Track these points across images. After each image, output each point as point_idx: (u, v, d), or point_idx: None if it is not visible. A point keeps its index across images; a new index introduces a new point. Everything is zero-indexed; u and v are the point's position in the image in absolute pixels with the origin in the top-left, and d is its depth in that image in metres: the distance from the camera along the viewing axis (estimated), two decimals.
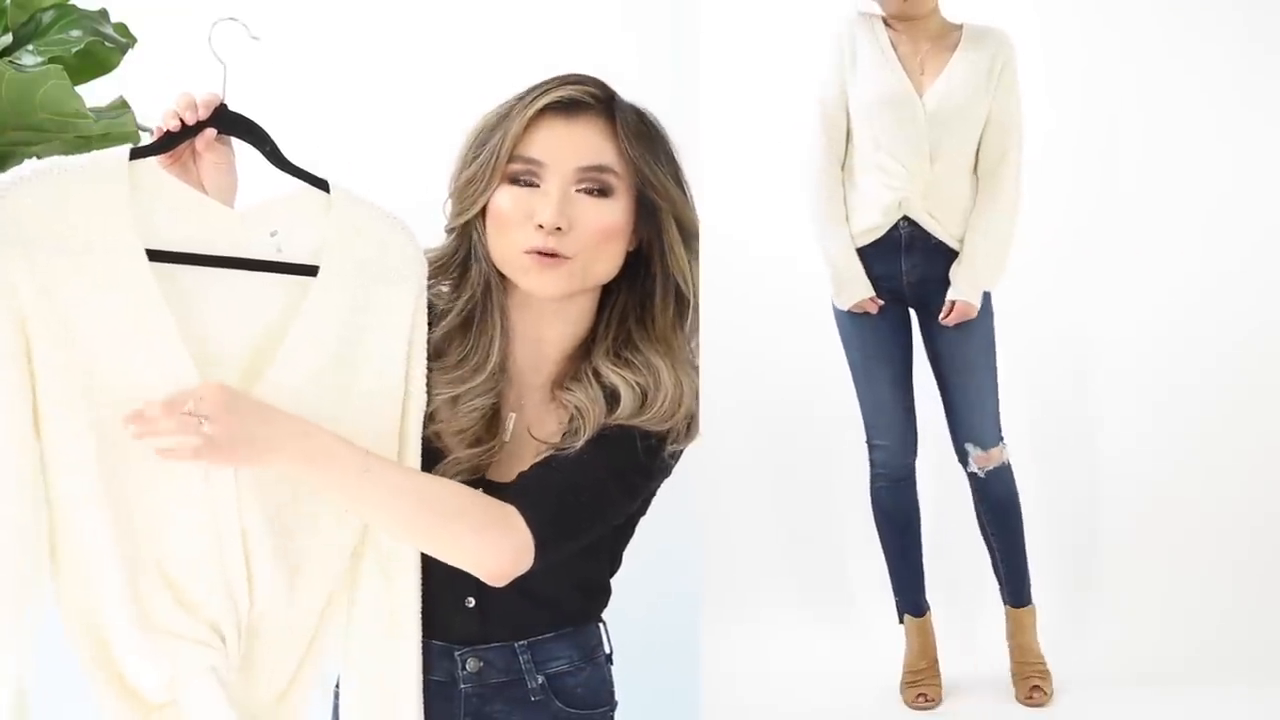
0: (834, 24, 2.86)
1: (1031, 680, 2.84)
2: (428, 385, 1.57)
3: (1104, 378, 3.40)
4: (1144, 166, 3.35)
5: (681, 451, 1.61)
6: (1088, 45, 3.33)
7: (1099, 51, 3.34)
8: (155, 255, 1.39)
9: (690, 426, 1.59)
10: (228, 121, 1.49)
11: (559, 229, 1.53)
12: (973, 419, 2.82)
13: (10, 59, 1.62)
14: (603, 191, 1.55)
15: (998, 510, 2.87)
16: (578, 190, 1.55)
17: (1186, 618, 3.15)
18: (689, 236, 1.61)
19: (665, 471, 1.60)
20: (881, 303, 2.80)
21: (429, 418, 1.57)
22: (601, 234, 1.55)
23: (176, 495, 1.40)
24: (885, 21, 2.82)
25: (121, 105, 1.63)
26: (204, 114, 1.47)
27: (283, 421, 1.39)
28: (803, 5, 3.37)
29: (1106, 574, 3.29)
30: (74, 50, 1.63)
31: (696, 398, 1.60)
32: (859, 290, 2.79)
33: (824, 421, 3.36)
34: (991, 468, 2.83)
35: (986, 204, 2.77)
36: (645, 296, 1.62)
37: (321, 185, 1.51)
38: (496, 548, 1.44)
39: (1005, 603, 2.91)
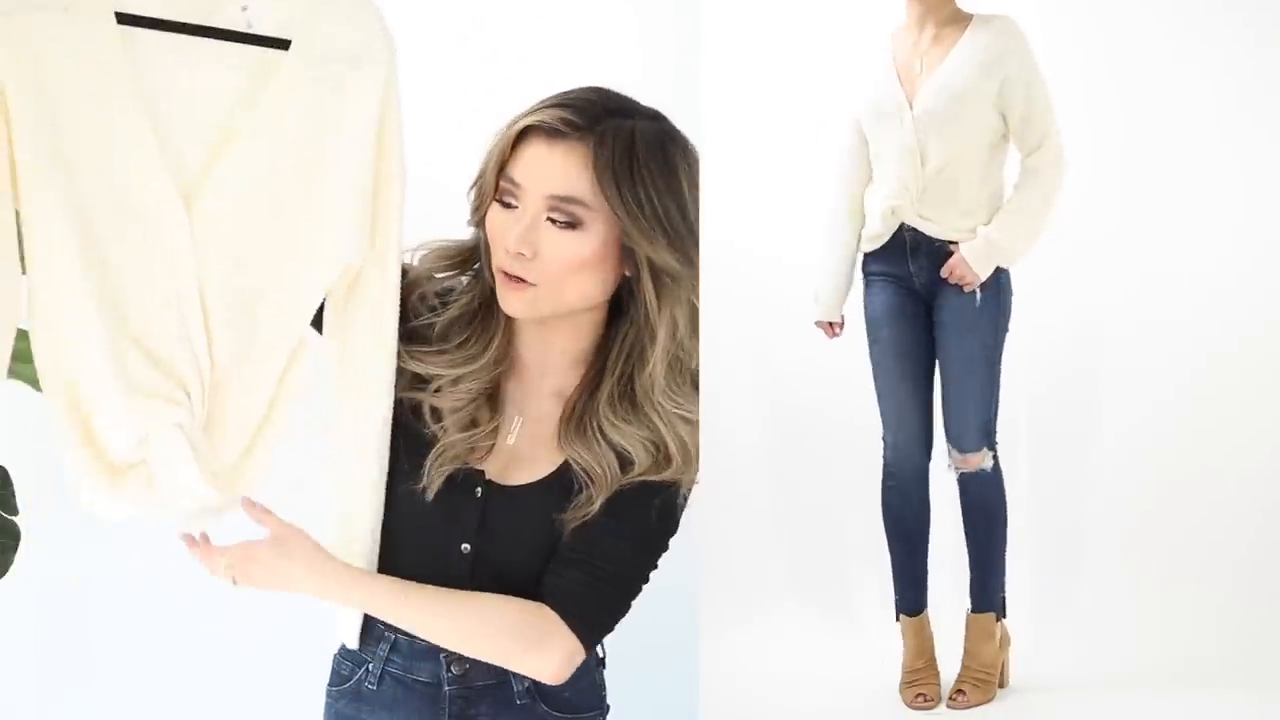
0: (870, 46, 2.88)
1: (961, 683, 2.82)
2: (427, 366, 1.58)
3: (1097, 380, 3.38)
4: (1147, 167, 3.33)
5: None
6: (1092, 43, 3.32)
7: (1103, 50, 3.33)
8: (126, 19, 1.41)
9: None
10: None
11: (522, 254, 1.50)
12: (956, 420, 2.80)
13: None
14: (571, 224, 1.50)
15: (973, 514, 2.85)
16: (548, 218, 1.51)
17: (1181, 621, 3.14)
18: (663, 276, 1.52)
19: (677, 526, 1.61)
20: (838, 333, 2.91)
21: (434, 390, 1.57)
22: (565, 266, 1.51)
23: (138, 254, 1.44)
24: (900, 24, 2.82)
25: None
26: None
27: (327, 573, 1.54)
28: (804, 8, 3.37)
29: (1099, 576, 3.28)
30: None
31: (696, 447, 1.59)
32: (827, 311, 2.90)
33: (824, 421, 3.36)
34: (969, 472, 2.81)
35: (1018, 189, 2.76)
36: (641, 329, 1.57)
37: None
38: (548, 659, 1.52)
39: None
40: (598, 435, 1.55)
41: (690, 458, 1.56)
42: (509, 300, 1.54)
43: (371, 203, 1.54)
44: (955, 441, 2.81)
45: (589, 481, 1.55)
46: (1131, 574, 3.25)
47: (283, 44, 1.47)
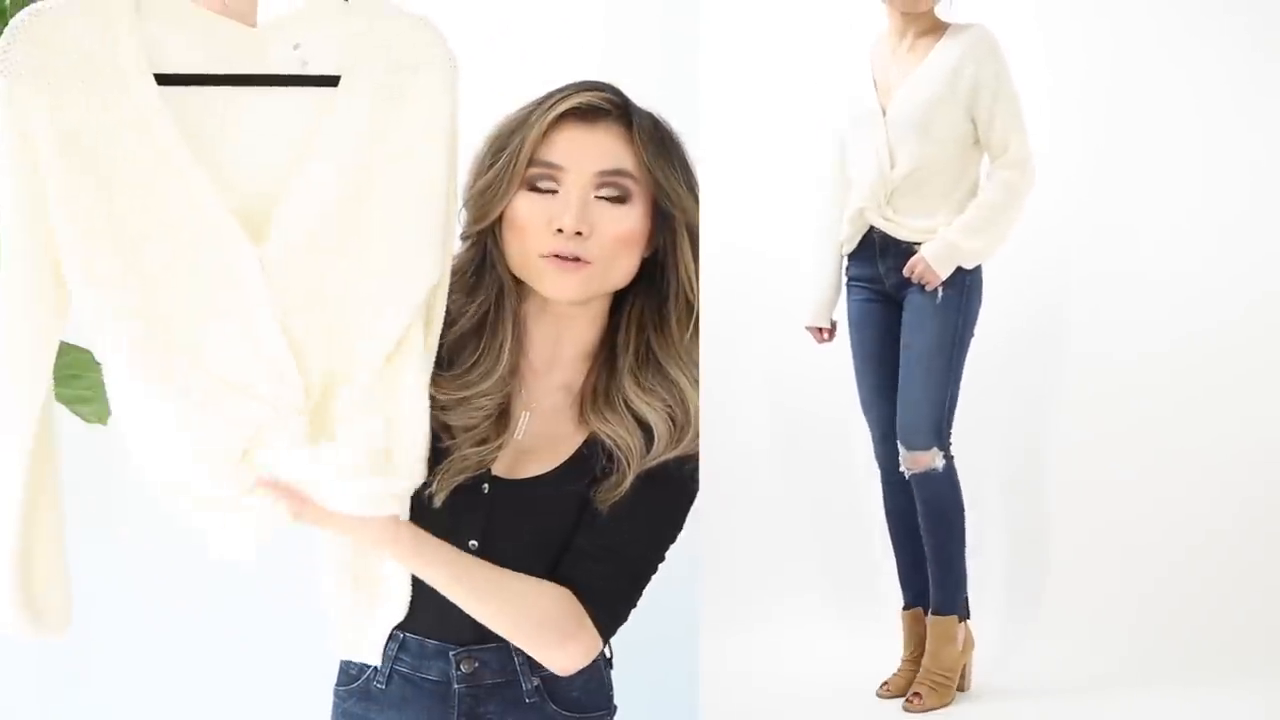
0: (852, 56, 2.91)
1: (918, 685, 2.83)
2: (439, 388, 1.56)
3: (1063, 378, 3.39)
4: (1118, 165, 3.35)
5: None
6: (1082, 44, 3.34)
7: (1093, 51, 3.35)
8: (169, 80, 1.39)
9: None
10: None
11: (579, 234, 1.53)
12: (906, 416, 2.81)
13: None
14: (621, 198, 1.55)
15: (927, 516, 2.85)
16: (597, 196, 1.55)
17: (1150, 621, 3.16)
18: (695, 240, 1.61)
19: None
20: (827, 338, 2.95)
21: (440, 408, 1.55)
22: (620, 240, 1.55)
23: (210, 311, 1.41)
24: (882, 32, 2.87)
25: None
26: None
27: (396, 527, 1.47)
28: (803, 6, 3.38)
29: (1066, 577, 3.29)
30: None
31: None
32: (816, 317, 2.95)
33: (823, 421, 3.37)
34: (919, 472, 2.81)
35: (982, 193, 2.80)
36: (660, 302, 1.62)
37: None
38: (573, 652, 1.54)
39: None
40: (624, 407, 1.58)
41: (694, 422, 1.60)
42: (561, 282, 1.55)
43: (444, 214, 1.51)
44: (905, 439, 2.81)
45: (619, 457, 1.56)
46: (1098, 576, 3.27)
47: (334, 81, 1.45)
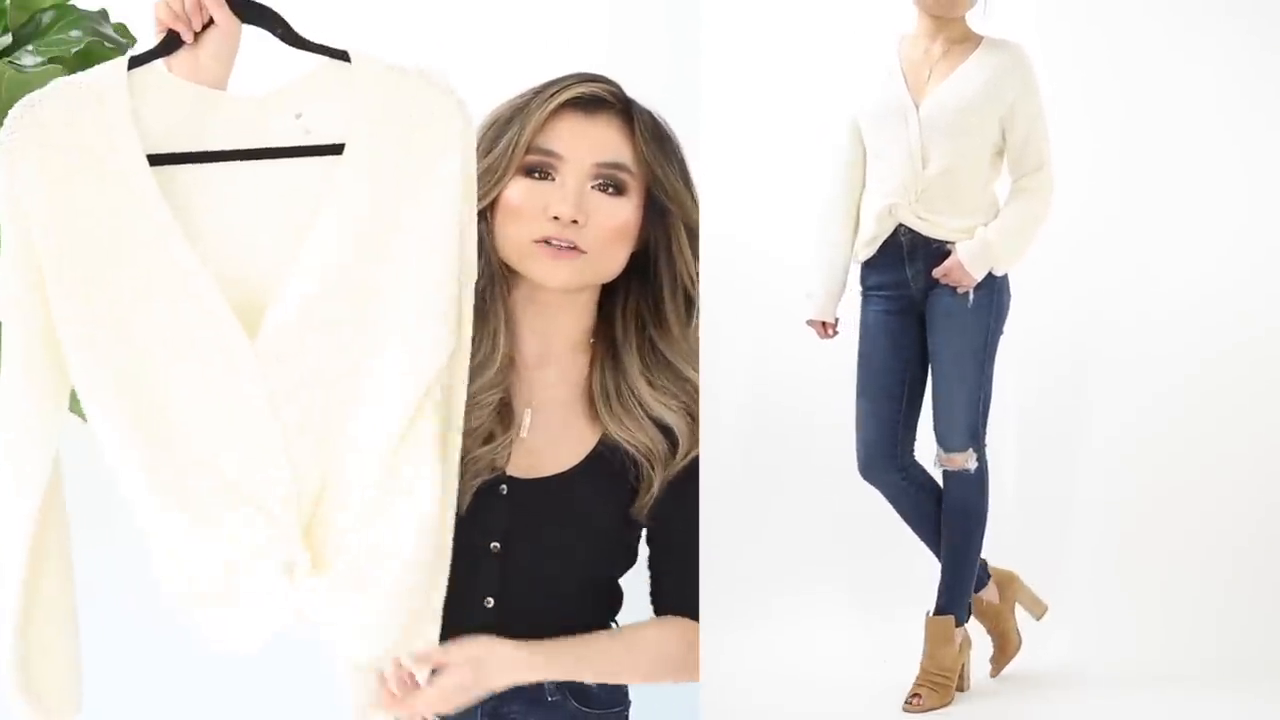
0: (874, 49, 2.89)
1: (918, 686, 2.82)
2: None
3: (1088, 383, 3.39)
4: (1142, 169, 3.35)
5: None
6: (1088, 45, 3.34)
7: (1103, 51, 3.34)
8: (162, 159, 1.38)
9: None
10: (238, 7, 1.44)
11: (575, 221, 1.53)
12: (942, 419, 2.82)
13: (10, 59, 1.63)
14: (617, 190, 1.57)
15: (951, 514, 2.86)
16: (593, 186, 1.56)
17: (1165, 623, 3.15)
18: (694, 238, 1.62)
19: None
20: (831, 333, 2.90)
21: None
22: (614, 232, 1.57)
23: (201, 386, 1.39)
24: (909, 32, 2.85)
25: None
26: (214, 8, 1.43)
27: (518, 664, 1.52)
28: (805, 4, 3.38)
29: (1066, 576, 3.28)
30: (74, 50, 1.64)
31: None
32: (822, 310, 2.89)
33: (825, 420, 3.36)
34: (952, 470, 2.83)
35: (1013, 202, 2.80)
36: (656, 298, 1.63)
37: (342, 57, 1.44)
38: (694, 671, 1.65)
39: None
40: (640, 410, 1.59)
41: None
42: (554, 269, 1.56)
43: (456, 278, 1.45)
44: (941, 440, 2.82)
45: (644, 464, 1.58)
46: (1099, 576, 3.26)
47: (336, 149, 1.41)
